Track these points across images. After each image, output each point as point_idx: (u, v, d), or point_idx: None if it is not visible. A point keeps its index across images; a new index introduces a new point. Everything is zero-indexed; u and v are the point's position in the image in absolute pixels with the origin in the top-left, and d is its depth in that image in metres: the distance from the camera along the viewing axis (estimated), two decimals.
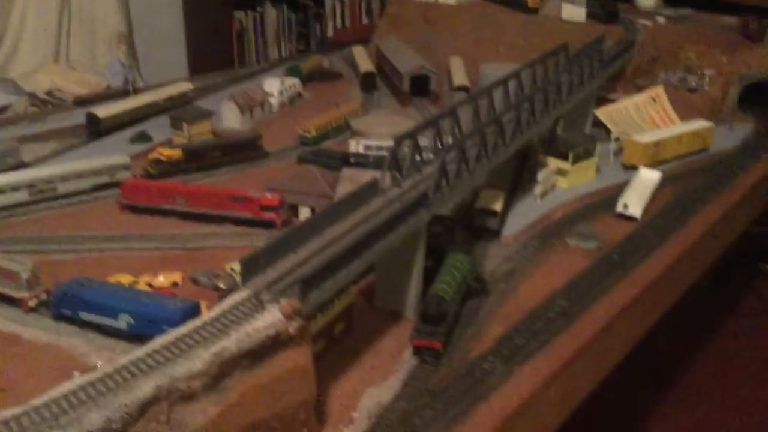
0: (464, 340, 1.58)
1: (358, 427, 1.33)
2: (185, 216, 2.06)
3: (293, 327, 1.19)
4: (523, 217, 2.10)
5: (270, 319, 1.18)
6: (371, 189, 1.56)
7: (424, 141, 1.70)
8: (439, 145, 1.74)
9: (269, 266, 1.28)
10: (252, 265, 1.25)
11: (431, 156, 1.71)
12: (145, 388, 1.01)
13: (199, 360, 1.07)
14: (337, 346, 1.54)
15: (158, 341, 1.10)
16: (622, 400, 2.81)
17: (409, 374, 1.47)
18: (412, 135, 1.65)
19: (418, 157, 1.68)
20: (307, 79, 3.28)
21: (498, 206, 1.99)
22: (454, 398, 1.40)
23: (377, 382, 1.45)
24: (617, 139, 2.43)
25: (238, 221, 2.03)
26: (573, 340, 1.59)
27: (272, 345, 1.17)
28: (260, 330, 1.15)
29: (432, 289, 1.56)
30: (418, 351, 1.51)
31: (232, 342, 1.12)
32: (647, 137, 2.35)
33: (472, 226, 2.01)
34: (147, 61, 4.09)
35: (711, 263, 2.26)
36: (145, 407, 1.00)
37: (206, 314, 1.18)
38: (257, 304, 1.20)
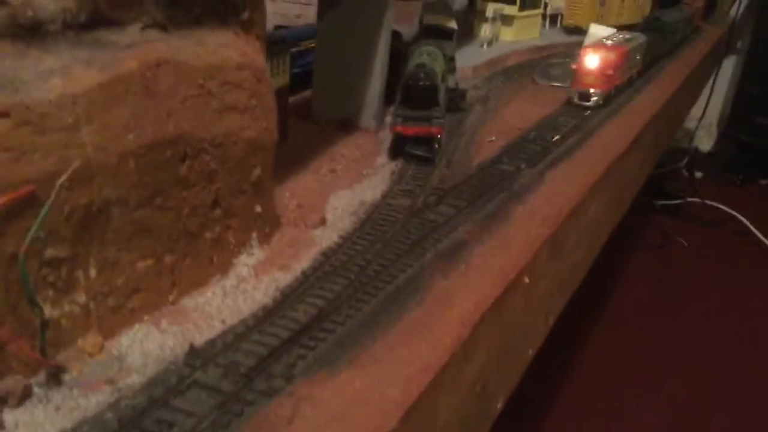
0: (457, 147, 1.07)
1: (342, 226, 0.76)
2: None
3: None
4: (473, 59, 1.64)
5: None
6: None
7: None
8: None
9: None
10: None
11: None
12: None
13: None
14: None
15: None
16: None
17: (393, 174, 0.93)
18: None
19: None
20: None
21: (453, 24, 1.50)
22: (477, 196, 0.88)
23: (348, 185, 0.90)
24: None
25: None
26: (604, 148, 1.13)
27: None
28: None
29: (410, 67, 1.03)
30: (400, 141, 0.98)
31: None
32: None
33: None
34: None
35: None
36: None
37: None
38: None
